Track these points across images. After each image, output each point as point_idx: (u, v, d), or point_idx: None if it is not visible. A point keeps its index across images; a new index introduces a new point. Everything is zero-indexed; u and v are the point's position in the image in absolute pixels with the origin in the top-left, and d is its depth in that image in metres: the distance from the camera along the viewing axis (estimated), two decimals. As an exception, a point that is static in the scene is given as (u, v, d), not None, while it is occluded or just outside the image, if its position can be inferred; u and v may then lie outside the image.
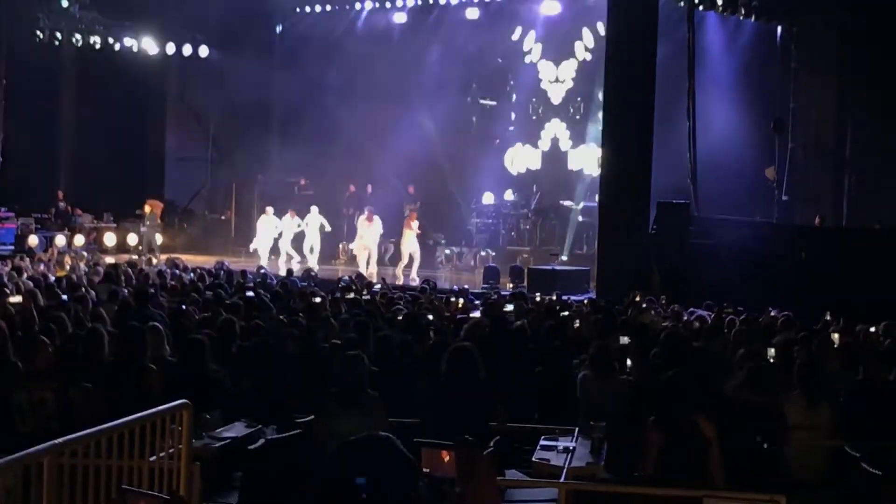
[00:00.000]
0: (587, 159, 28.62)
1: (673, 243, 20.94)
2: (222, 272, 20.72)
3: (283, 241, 27.44)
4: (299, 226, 27.41)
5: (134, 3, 29.22)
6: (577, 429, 8.53)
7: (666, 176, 22.92)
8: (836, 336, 12.02)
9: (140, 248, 28.47)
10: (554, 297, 17.80)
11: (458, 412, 7.97)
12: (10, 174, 28.63)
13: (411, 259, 25.69)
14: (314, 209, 27.41)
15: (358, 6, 31.54)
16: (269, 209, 27.67)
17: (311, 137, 31.07)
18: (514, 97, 31.21)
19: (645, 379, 9.26)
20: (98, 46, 29.52)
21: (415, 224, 25.76)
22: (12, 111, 28.70)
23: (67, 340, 9.82)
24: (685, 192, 22.80)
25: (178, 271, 20.28)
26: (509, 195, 29.93)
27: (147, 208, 28.72)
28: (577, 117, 29.73)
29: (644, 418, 7.50)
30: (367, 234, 26.16)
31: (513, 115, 31.32)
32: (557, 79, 29.95)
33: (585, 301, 17.79)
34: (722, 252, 20.39)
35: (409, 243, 25.67)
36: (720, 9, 25.20)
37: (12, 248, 25.97)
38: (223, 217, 32.54)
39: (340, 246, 29.40)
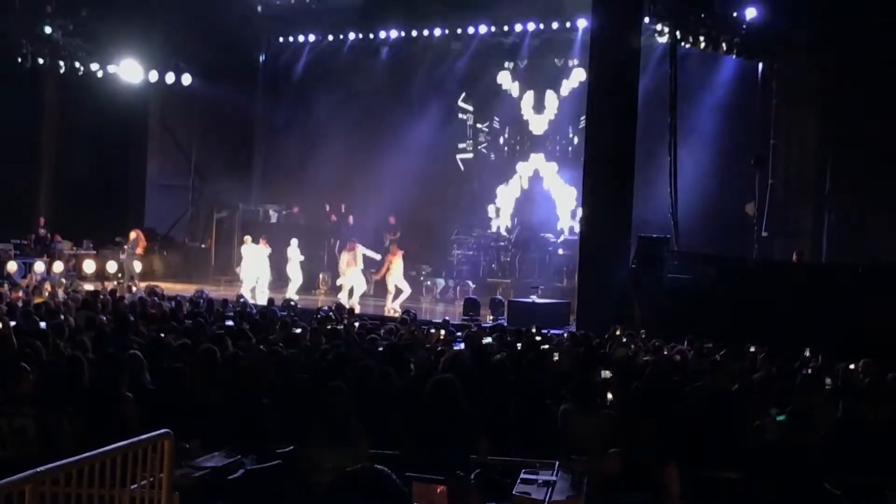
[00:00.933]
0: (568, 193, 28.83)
1: (653, 278, 20.97)
2: (202, 300, 20.66)
3: (259, 268, 27.21)
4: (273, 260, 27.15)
5: (117, 31, 29.18)
6: (557, 462, 8.50)
7: (646, 210, 23.06)
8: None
9: (119, 275, 28.32)
10: (534, 330, 17.76)
11: (439, 444, 7.94)
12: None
13: (398, 291, 25.60)
14: (294, 241, 27.28)
15: (341, 36, 31.64)
16: (248, 238, 27.44)
17: (293, 166, 31.12)
18: (497, 129, 31.33)
19: (627, 413, 9.23)
20: (81, 73, 29.52)
21: (399, 255, 25.69)
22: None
23: (46, 367, 9.76)
24: (666, 226, 22.85)
25: (157, 299, 20.19)
26: (492, 226, 30.05)
27: (132, 234, 28.32)
28: (568, 149, 29.90)
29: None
30: (353, 265, 26.05)
31: (493, 152, 31.49)
32: (540, 111, 30.11)
33: (565, 335, 17.78)
34: (702, 287, 20.43)
35: (397, 274, 25.58)
36: (702, 45, 25.31)
37: (-9, 274, 25.80)
38: (203, 245, 32.45)
39: (321, 276, 29.33)
